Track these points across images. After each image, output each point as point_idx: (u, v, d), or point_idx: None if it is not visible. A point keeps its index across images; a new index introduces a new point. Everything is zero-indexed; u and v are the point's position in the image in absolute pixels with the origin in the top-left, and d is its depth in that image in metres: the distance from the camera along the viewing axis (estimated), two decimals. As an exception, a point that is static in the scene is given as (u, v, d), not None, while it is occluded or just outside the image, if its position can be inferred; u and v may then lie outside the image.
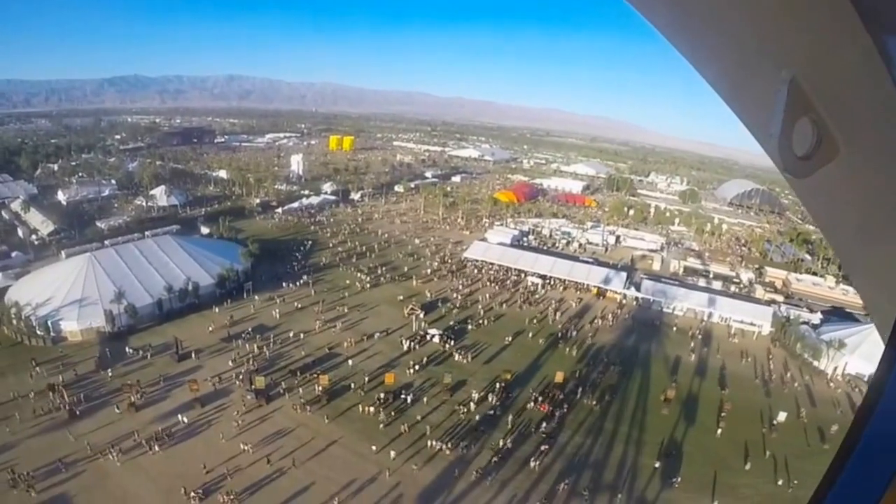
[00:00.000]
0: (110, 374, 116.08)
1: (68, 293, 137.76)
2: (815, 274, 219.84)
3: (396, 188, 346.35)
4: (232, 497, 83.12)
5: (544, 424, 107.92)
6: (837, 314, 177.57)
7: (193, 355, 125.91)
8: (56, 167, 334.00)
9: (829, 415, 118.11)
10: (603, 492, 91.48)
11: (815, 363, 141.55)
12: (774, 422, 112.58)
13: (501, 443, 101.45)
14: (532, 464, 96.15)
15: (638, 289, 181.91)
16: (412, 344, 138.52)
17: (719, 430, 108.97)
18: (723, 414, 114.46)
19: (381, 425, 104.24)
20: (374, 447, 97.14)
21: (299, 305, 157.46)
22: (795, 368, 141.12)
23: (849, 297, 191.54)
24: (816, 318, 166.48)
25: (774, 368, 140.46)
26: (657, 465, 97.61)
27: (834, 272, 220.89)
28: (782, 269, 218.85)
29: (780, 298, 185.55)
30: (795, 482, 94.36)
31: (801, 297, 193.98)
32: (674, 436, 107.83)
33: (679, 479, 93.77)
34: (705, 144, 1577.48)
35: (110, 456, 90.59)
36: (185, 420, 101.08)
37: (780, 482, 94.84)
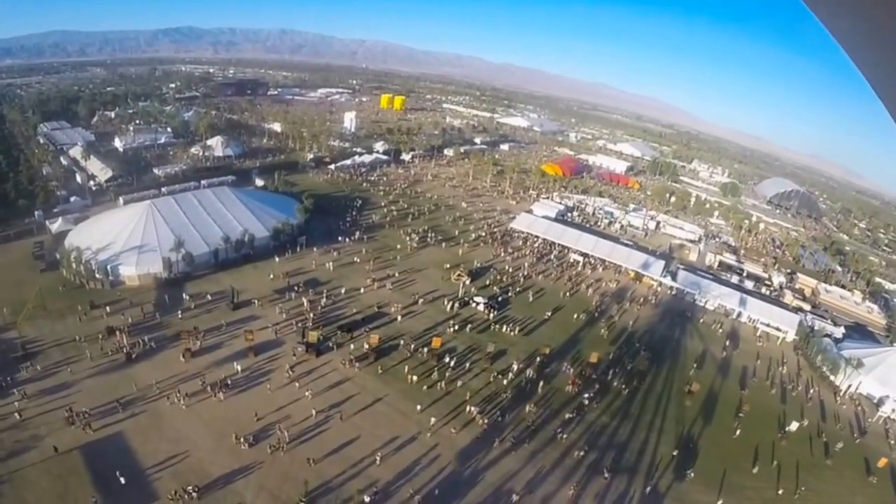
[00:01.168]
0: (167, 319, 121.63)
1: (128, 239, 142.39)
2: (843, 287, 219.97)
3: (446, 152, 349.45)
4: (281, 445, 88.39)
5: (576, 401, 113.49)
6: (859, 331, 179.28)
7: (248, 305, 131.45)
8: (113, 115, 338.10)
9: (837, 431, 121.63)
10: (622, 473, 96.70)
11: (832, 378, 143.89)
12: (786, 430, 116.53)
13: (535, 415, 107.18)
14: (560, 438, 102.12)
15: (674, 278, 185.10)
16: (458, 309, 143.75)
17: (738, 431, 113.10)
18: (740, 415, 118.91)
19: (425, 387, 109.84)
20: (417, 407, 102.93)
21: (351, 262, 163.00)
22: (813, 380, 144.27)
23: (873, 315, 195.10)
24: (839, 332, 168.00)
25: (793, 377, 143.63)
26: (674, 454, 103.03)
27: (862, 288, 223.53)
28: (813, 278, 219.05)
29: (807, 307, 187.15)
30: (795, 496, 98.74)
31: (828, 308, 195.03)
32: (692, 429, 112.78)
33: (692, 473, 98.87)
34: (750, 137, 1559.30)
35: (166, 399, 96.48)
36: (240, 368, 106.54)
37: (781, 491, 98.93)
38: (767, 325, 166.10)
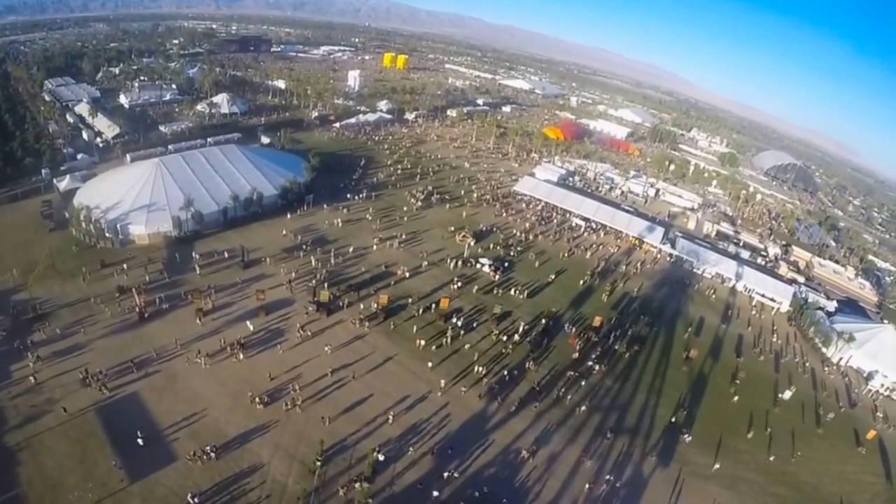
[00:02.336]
0: (178, 278, 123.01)
1: (137, 198, 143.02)
2: (837, 262, 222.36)
3: (449, 112, 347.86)
4: (296, 404, 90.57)
5: (580, 364, 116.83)
6: (851, 306, 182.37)
7: (258, 263, 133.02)
8: (117, 71, 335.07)
9: (828, 402, 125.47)
10: (624, 434, 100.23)
11: (824, 350, 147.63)
12: (780, 396, 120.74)
13: (540, 376, 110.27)
14: (566, 399, 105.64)
15: (673, 246, 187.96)
16: (463, 269, 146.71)
17: (736, 398, 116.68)
18: (737, 381, 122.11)
19: (434, 346, 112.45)
20: (427, 366, 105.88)
21: (358, 221, 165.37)
22: (805, 351, 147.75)
23: (865, 291, 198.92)
24: (832, 305, 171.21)
25: (787, 347, 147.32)
26: (673, 419, 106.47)
27: (855, 264, 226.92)
28: (807, 251, 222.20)
29: (801, 279, 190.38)
30: (792, 460, 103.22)
31: (821, 282, 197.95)
32: (691, 394, 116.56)
33: (690, 436, 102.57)
34: (746, 107, 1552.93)
35: (185, 359, 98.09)
36: (252, 328, 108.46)
37: (772, 458, 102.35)
38: (762, 296, 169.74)
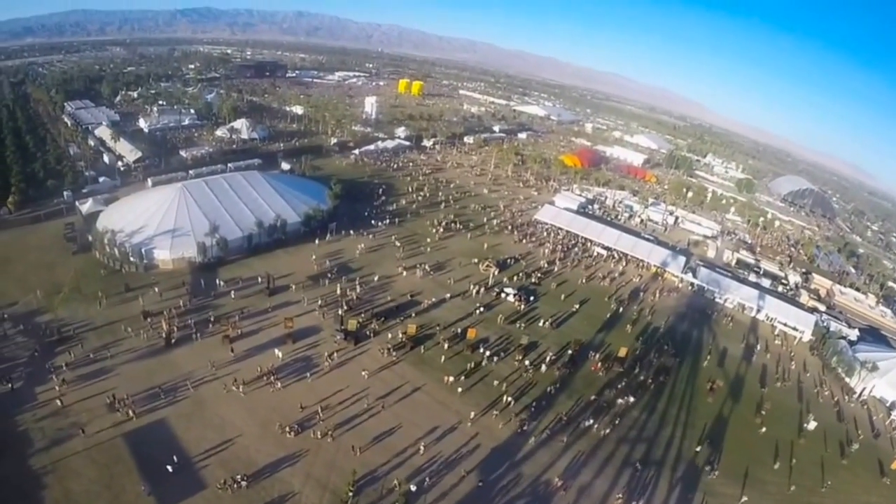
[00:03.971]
0: (204, 304, 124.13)
1: (161, 222, 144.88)
2: (857, 289, 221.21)
3: (466, 139, 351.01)
4: (326, 433, 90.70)
5: (606, 394, 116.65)
6: (873, 334, 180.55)
7: (284, 291, 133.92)
8: (135, 95, 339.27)
9: (852, 432, 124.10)
10: (651, 466, 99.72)
11: (847, 379, 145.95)
12: (805, 427, 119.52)
13: (568, 407, 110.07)
14: (595, 430, 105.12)
15: (694, 275, 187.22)
16: (488, 299, 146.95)
17: (763, 429, 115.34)
18: (762, 412, 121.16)
19: (462, 377, 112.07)
20: (455, 396, 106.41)
21: (381, 249, 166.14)
22: (828, 380, 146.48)
23: (886, 319, 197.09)
24: (854, 334, 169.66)
25: (810, 377, 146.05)
26: (698, 449, 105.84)
27: (876, 291, 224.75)
28: (827, 279, 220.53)
29: (822, 307, 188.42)
30: (822, 489, 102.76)
31: (842, 310, 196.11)
32: (716, 425, 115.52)
33: (717, 467, 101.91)
34: (760, 131, 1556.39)
35: (206, 385, 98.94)
36: (280, 355, 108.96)
37: (792, 488, 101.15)
38: (784, 325, 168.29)
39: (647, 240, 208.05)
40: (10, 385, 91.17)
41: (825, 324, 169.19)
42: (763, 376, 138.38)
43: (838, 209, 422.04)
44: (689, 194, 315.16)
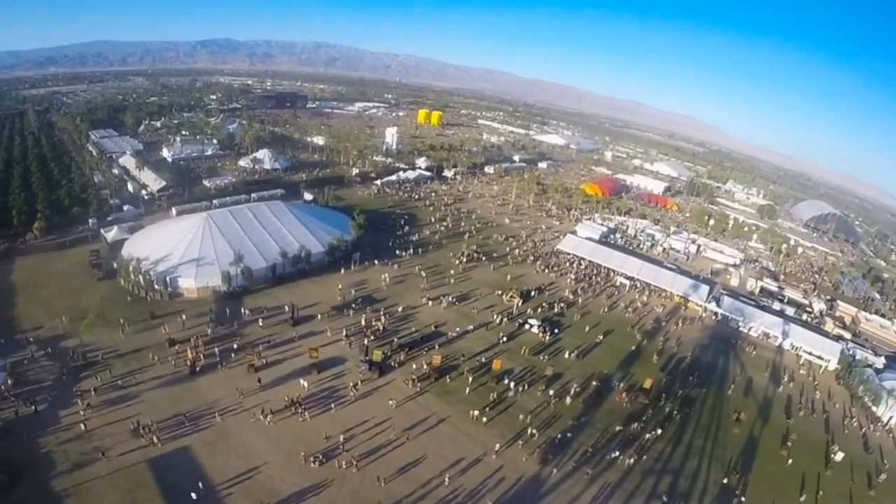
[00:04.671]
0: (228, 333, 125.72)
1: (186, 251, 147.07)
2: (883, 316, 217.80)
3: (487, 169, 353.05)
4: (351, 464, 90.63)
5: (632, 426, 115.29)
6: None
7: (308, 321, 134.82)
8: (159, 124, 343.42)
9: (879, 462, 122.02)
10: (678, 499, 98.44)
11: (874, 409, 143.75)
12: (832, 457, 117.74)
13: (594, 438, 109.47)
14: (620, 462, 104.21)
15: (718, 304, 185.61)
16: (511, 329, 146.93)
17: (790, 461, 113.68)
18: (788, 443, 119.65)
19: (487, 408, 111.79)
20: (480, 427, 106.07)
21: (404, 280, 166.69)
22: (855, 410, 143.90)
23: None
24: (880, 362, 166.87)
25: (836, 406, 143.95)
26: (725, 481, 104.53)
27: None
28: (853, 305, 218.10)
29: (847, 335, 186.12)
30: None
31: (868, 337, 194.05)
32: (742, 456, 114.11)
33: (743, 500, 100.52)
34: (780, 155, 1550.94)
35: (231, 413, 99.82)
36: (305, 385, 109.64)
37: None
38: (810, 353, 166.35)
39: (670, 269, 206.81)
40: (33, 407, 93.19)
41: (851, 352, 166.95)
42: (788, 406, 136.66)
43: (861, 233, 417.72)
44: (711, 222, 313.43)
